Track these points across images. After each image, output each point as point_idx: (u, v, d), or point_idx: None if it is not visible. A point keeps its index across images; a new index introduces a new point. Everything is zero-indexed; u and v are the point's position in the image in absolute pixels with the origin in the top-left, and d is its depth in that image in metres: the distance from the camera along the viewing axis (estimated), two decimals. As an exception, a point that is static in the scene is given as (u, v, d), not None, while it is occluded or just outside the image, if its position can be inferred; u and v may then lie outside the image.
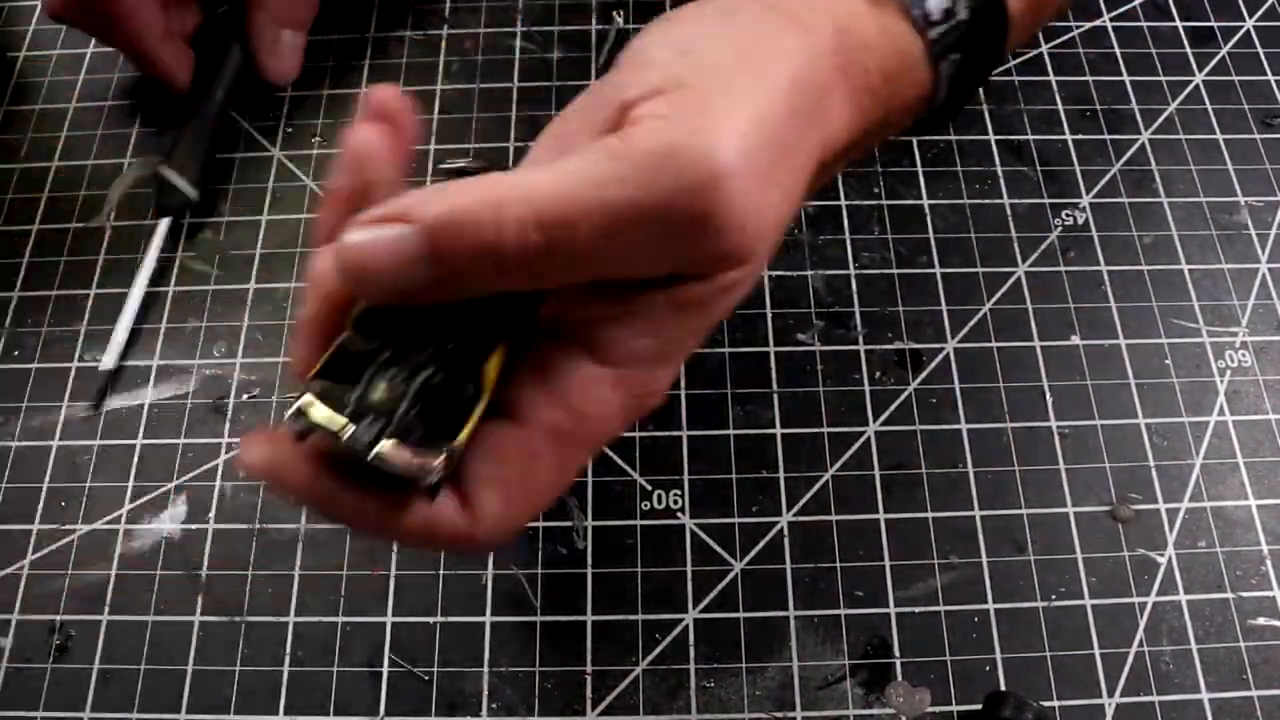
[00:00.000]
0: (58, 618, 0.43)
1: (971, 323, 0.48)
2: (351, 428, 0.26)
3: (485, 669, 0.41)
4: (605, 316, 0.28)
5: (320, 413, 0.26)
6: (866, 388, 0.46)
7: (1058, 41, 0.56)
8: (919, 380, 0.47)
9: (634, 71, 0.29)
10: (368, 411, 0.26)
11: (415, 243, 0.26)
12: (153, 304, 0.49)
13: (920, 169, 0.52)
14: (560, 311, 0.29)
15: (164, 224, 0.50)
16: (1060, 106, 0.54)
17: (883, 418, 0.46)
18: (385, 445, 0.26)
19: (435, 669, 0.41)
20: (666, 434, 0.45)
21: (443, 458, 0.27)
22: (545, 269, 0.26)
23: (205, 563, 0.43)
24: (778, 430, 0.45)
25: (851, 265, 0.49)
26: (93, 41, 0.57)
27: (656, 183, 0.26)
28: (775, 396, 0.46)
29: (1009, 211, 0.51)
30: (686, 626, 0.42)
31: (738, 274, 0.28)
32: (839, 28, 0.32)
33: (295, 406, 0.26)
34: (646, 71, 0.28)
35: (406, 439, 0.26)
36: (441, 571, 0.43)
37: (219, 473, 0.45)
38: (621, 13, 0.55)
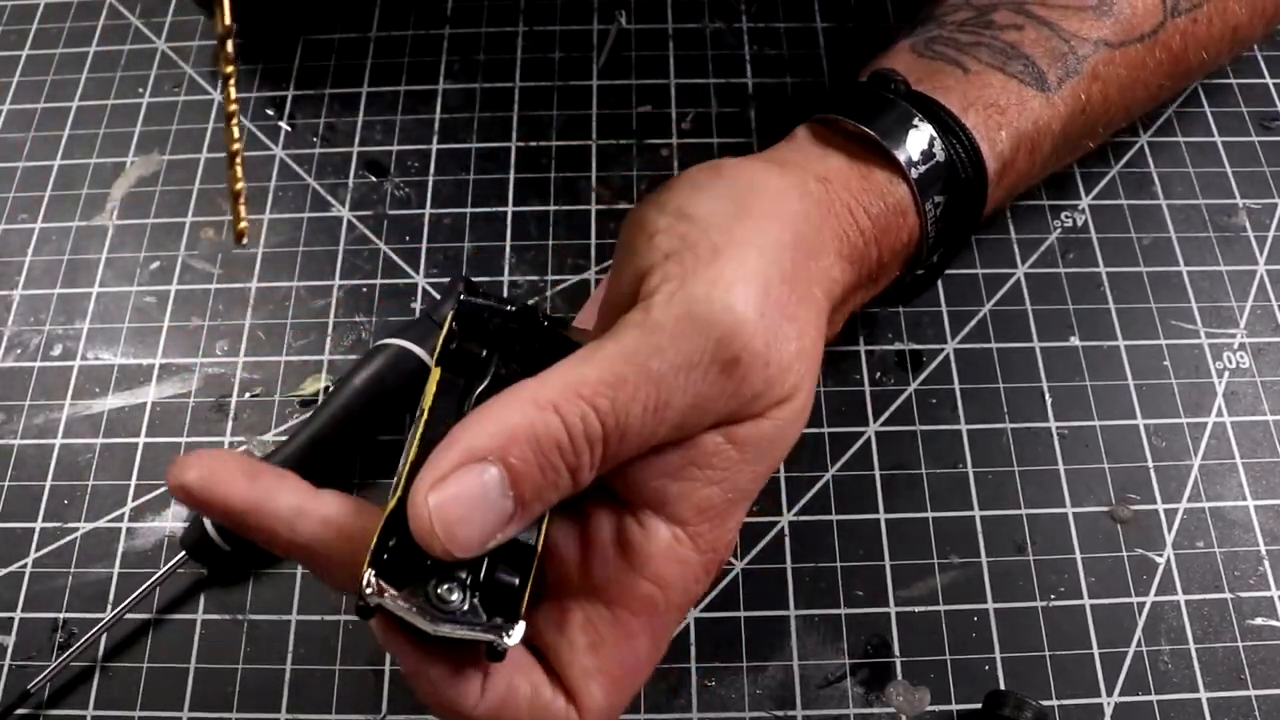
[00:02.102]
0: (60, 615, 0.43)
1: (971, 323, 0.48)
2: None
3: (487, 667, 0.41)
4: (671, 472, 0.29)
5: (401, 605, 0.26)
6: (867, 388, 0.47)
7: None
8: (919, 381, 0.47)
9: (641, 241, 0.30)
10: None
11: (496, 480, 0.26)
12: (155, 303, 0.49)
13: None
14: (627, 484, 0.29)
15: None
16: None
17: (883, 418, 0.46)
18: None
19: (437, 667, 0.41)
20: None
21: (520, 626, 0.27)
22: (613, 452, 0.27)
23: (208, 561, 0.44)
24: (778, 430, 0.46)
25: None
26: (96, 38, 0.57)
27: (689, 344, 0.27)
28: (776, 396, 0.46)
29: (1008, 213, 0.51)
30: (688, 625, 0.42)
31: (782, 412, 0.29)
32: (820, 177, 0.34)
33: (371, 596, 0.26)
34: (652, 239, 0.30)
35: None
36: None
37: (221, 471, 0.45)
38: (624, 12, 0.55)
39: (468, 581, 0.27)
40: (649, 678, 0.31)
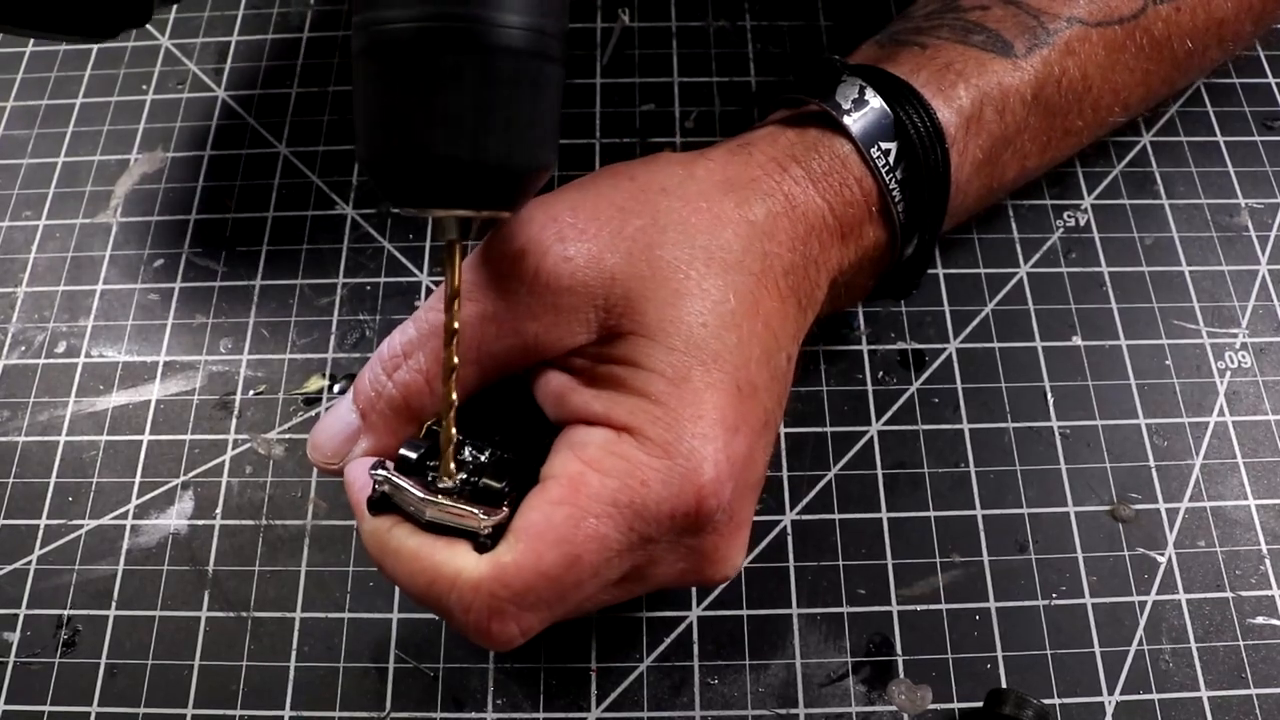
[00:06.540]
0: (65, 612, 0.43)
1: (974, 323, 0.48)
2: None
3: (490, 665, 0.42)
4: (587, 391, 0.34)
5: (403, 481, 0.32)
6: (869, 387, 0.47)
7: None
8: (921, 380, 0.47)
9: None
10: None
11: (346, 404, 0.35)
12: (159, 300, 0.50)
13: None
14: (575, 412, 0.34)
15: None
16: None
17: (885, 417, 0.46)
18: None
19: (441, 665, 0.42)
20: (671, 432, 0.46)
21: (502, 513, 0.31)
22: (427, 331, 0.34)
23: (212, 558, 0.44)
24: (781, 429, 0.46)
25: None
26: (98, 37, 0.57)
27: (484, 248, 0.33)
28: (779, 395, 0.46)
29: (1011, 212, 0.51)
30: (690, 624, 0.42)
31: (645, 317, 0.33)
32: (741, 144, 0.38)
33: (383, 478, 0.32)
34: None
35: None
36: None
37: (225, 468, 0.45)
38: (627, 11, 0.55)
39: (458, 490, 0.32)
40: (567, 565, 0.30)
